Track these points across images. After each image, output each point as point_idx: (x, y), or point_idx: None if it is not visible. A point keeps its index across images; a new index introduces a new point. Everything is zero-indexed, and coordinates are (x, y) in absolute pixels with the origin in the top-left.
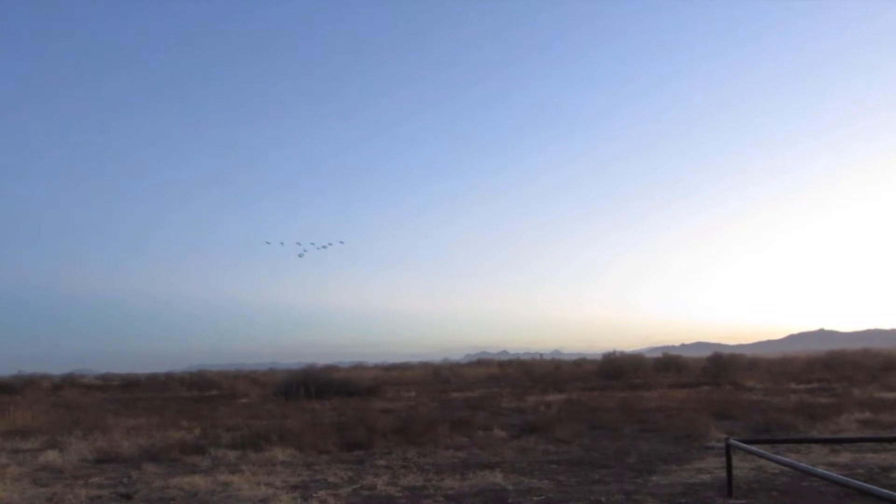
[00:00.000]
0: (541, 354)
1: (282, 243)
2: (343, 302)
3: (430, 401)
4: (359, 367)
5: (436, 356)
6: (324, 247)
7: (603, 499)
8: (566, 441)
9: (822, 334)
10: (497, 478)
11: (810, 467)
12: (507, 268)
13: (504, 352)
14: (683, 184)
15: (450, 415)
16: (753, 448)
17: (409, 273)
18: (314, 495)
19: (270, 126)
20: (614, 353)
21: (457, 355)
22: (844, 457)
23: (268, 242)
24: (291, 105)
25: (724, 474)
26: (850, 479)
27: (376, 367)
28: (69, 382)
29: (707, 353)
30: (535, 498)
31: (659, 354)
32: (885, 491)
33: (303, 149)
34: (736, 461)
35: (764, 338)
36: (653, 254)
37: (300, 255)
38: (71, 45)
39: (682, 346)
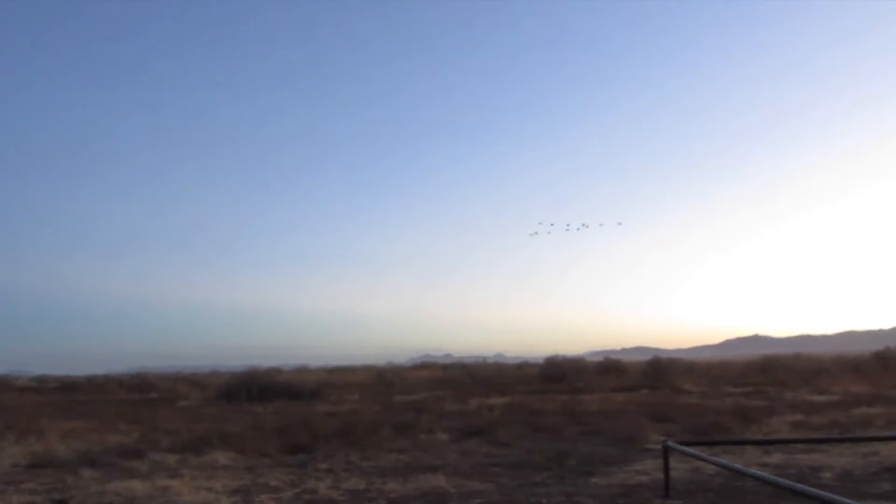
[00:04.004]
0: (484, 358)
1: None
2: (287, 303)
3: (374, 404)
4: (302, 370)
5: (379, 359)
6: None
7: (544, 500)
8: (508, 444)
9: (756, 340)
10: (440, 481)
11: (744, 468)
12: (450, 271)
13: (448, 355)
14: (628, 193)
15: (393, 418)
16: (690, 450)
17: (352, 274)
18: (256, 499)
19: (196, 127)
20: (556, 356)
21: (400, 358)
22: (777, 457)
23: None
24: (210, 106)
25: (661, 475)
26: (782, 480)
27: (320, 369)
28: (1, 384)
29: (647, 358)
30: (477, 501)
31: (600, 358)
32: (815, 490)
33: (244, 146)
34: (673, 463)
35: (701, 343)
36: (595, 260)
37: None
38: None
39: (623, 350)
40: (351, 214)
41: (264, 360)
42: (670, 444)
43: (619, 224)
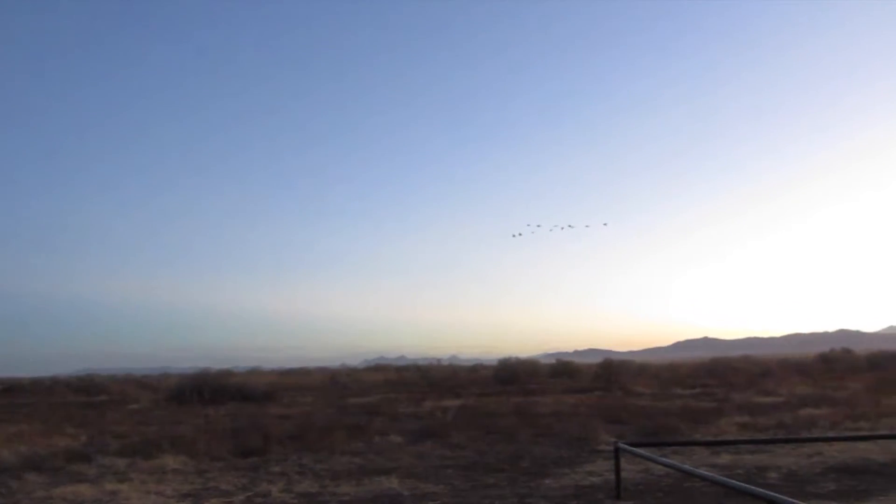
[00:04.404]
0: (438, 360)
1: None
2: (239, 305)
3: (328, 406)
4: (255, 372)
5: (334, 361)
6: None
7: (497, 502)
8: (462, 446)
9: (706, 342)
10: (393, 483)
11: (693, 469)
12: (405, 273)
13: (402, 357)
14: (577, 198)
15: (347, 420)
16: (640, 451)
17: (306, 277)
18: (206, 503)
19: (151, 129)
20: (510, 358)
21: (355, 360)
22: (725, 458)
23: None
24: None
25: (613, 476)
26: (730, 480)
27: (273, 372)
28: None
29: (599, 360)
30: (431, 503)
31: (553, 360)
32: (762, 490)
33: (198, 147)
34: (624, 464)
35: (652, 345)
36: (549, 263)
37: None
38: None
39: (576, 352)
40: (304, 217)
41: (216, 363)
42: (621, 445)
43: (605, 225)
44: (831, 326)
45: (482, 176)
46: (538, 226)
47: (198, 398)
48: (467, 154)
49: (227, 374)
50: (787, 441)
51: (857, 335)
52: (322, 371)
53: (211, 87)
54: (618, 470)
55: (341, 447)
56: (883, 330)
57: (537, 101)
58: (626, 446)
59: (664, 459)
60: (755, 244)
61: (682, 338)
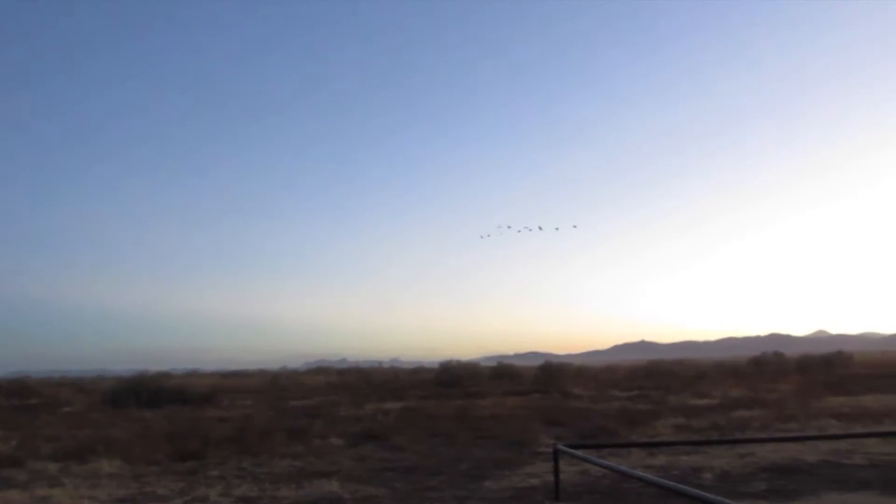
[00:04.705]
0: (379, 363)
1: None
2: (178, 306)
3: (268, 409)
4: (194, 375)
5: (274, 364)
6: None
7: None
8: (403, 448)
9: (643, 345)
10: (333, 486)
11: (630, 470)
12: (346, 276)
13: (343, 360)
14: (526, 201)
15: (287, 423)
16: (579, 453)
17: (246, 278)
18: None
19: (102, 128)
20: (451, 361)
21: (295, 363)
22: (661, 459)
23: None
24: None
25: (552, 478)
26: (666, 481)
27: (212, 374)
28: None
29: (539, 362)
30: None
31: (494, 363)
32: (696, 490)
33: (145, 146)
34: (563, 465)
35: (591, 348)
36: (490, 267)
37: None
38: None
39: (516, 355)
40: (246, 218)
41: (154, 364)
42: (560, 447)
43: (575, 227)
44: (763, 330)
45: (427, 179)
46: (508, 227)
47: (134, 401)
48: (413, 157)
49: (165, 376)
50: (720, 442)
51: (788, 339)
52: (262, 373)
53: (159, 86)
54: (556, 472)
55: (281, 450)
56: (812, 334)
57: (495, 99)
58: (564, 448)
59: (602, 461)
60: (691, 250)
61: (620, 341)
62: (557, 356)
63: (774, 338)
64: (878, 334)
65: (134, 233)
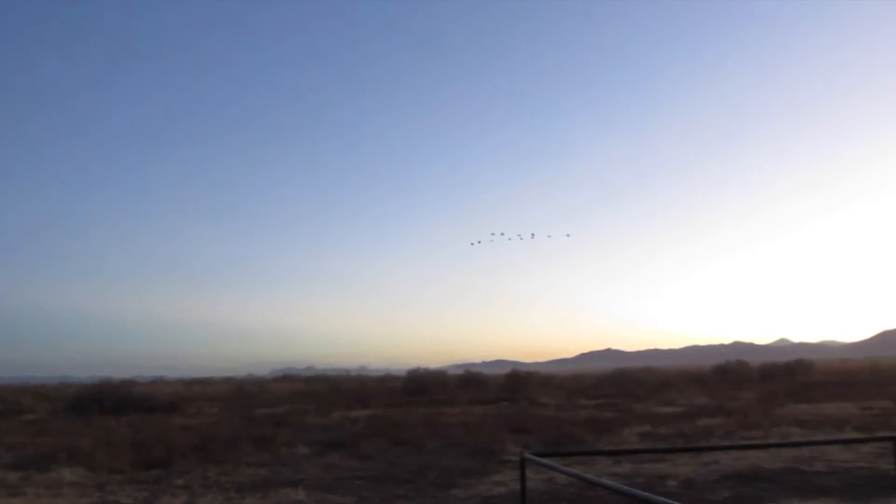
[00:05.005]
0: (347, 370)
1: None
2: (144, 313)
3: (234, 417)
4: (159, 382)
5: (240, 371)
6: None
7: None
8: (370, 457)
9: (609, 353)
10: (300, 495)
11: (596, 478)
12: (314, 283)
13: (310, 367)
14: (481, 213)
15: (253, 431)
16: (545, 461)
17: (212, 285)
18: None
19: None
20: (419, 369)
21: (262, 370)
22: (626, 467)
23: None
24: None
25: (519, 486)
26: (631, 489)
27: (178, 381)
28: None
29: (506, 371)
30: None
31: (461, 371)
32: (662, 498)
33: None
34: (530, 474)
35: (558, 356)
36: (458, 275)
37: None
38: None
39: (484, 363)
40: (211, 224)
41: (118, 372)
42: (527, 455)
43: (568, 235)
44: (727, 339)
45: (396, 188)
46: (501, 234)
47: (98, 408)
48: (382, 168)
49: (130, 383)
50: (685, 450)
51: (751, 347)
52: (228, 381)
53: (110, 93)
54: (523, 480)
55: (247, 459)
56: (774, 342)
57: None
58: (531, 456)
59: (568, 469)
60: (655, 259)
61: (586, 349)
62: (524, 364)
63: (738, 346)
64: (839, 342)
65: (99, 239)
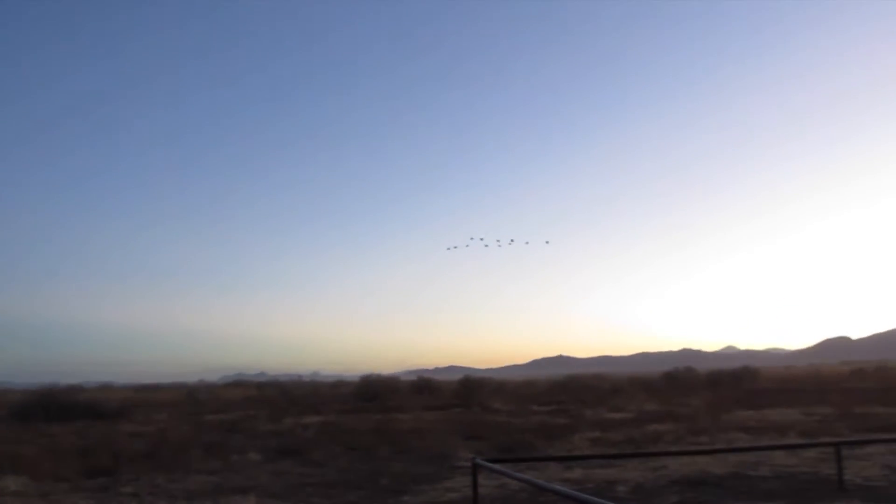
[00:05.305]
0: (299, 376)
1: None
2: (91, 318)
3: (183, 424)
4: (107, 388)
5: (191, 377)
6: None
7: None
8: (322, 463)
9: (560, 360)
10: (250, 502)
11: (547, 483)
12: (266, 288)
13: (262, 373)
14: (427, 222)
15: (203, 438)
16: (497, 467)
17: (161, 289)
18: None
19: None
20: (372, 375)
21: (213, 376)
22: (577, 472)
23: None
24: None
25: (471, 492)
26: (581, 494)
27: (126, 387)
28: None
29: (459, 377)
30: None
31: (414, 377)
32: (610, 503)
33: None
34: (482, 480)
35: (511, 362)
36: (409, 281)
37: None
38: None
39: (436, 369)
40: (159, 226)
41: (64, 378)
42: (479, 461)
43: (547, 242)
44: (676, 346)
45: (347, 194)
46: (481, 239)
47: (43, 415)
48: (333, 172)
49: (77, 389)
50: (634, 455)
51: (699, 354)
52: (178, 387)
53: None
54: (475, 486)
55: (197, 466)
56: (722, 349)
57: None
58: (483, 462)
59: (520, 475)
60: (606, 268)
61: (538, 355)
62: (477, 370)
63: (686, 353)
64: (784, 349)
65: (44, 241)
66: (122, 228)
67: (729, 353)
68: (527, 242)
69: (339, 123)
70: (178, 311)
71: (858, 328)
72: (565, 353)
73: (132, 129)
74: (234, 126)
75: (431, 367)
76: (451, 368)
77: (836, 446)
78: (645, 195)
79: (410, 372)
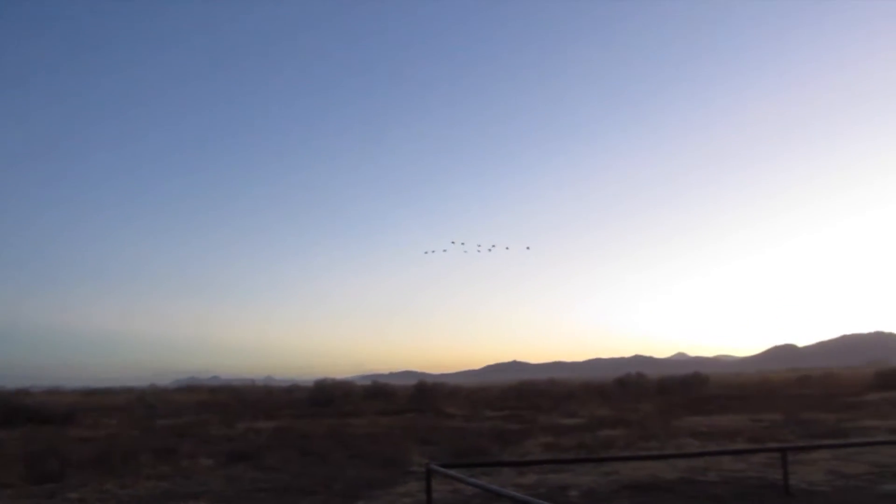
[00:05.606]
0: (253, 380)
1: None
2: (38, 319)
3: (134, 428)
4: (55, 392)
5: (142, 381)
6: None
7: None
8: (275, 468)
9: (515, 365)
10: None
11: (500, 489)
12: (219, 291)
13: (215, 377)
14: (383, 230)
15: (154, 443)
16: (451, 472)
17: (114, 292)
18: None
19: None
20: (326, 380)
21: (165, 380)
22: (530, 478)
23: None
24: None
25: (424, 497)
26: (534, 499)
27: (75, 392)
28: None
29: (414, 381)
30: None
31: (369, 382)
32: None
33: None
34: (436, 485)
35: (465, 367)
36: (364, 285)
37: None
38: None
39: (391, 374)
40: (112, 225)
41: (10, 381)
42: (432, 466)
43: (528, 248)
44: (628, 352)
45: (300, 198)
46: (462, 243)
47: None
48: (284, 176)
49: (23, 393)
50: (586, 460)
51: (650, 361)
52: (129, 391)
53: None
54: (429, 491)
55: (147, 471)
56: (672, 356)
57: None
58: (437, 467)
59: (473, 480)
60: (560, 275)
61: (492, 361)
62: (432, 375)
63: (638, 359)
64: (733, 356)
65: None
66: (71, 229)
67: (680, 360)
68: (507, 248)
69: (301, 128)
70: (130, 314)
71: (805, 336)
72: (519, 359)
73: (75, 133)
74: (190, 130)
75: (386, 371)
76: (406, 373)
77: (783, 452)
78: (595, 202)
79: (365, 377)
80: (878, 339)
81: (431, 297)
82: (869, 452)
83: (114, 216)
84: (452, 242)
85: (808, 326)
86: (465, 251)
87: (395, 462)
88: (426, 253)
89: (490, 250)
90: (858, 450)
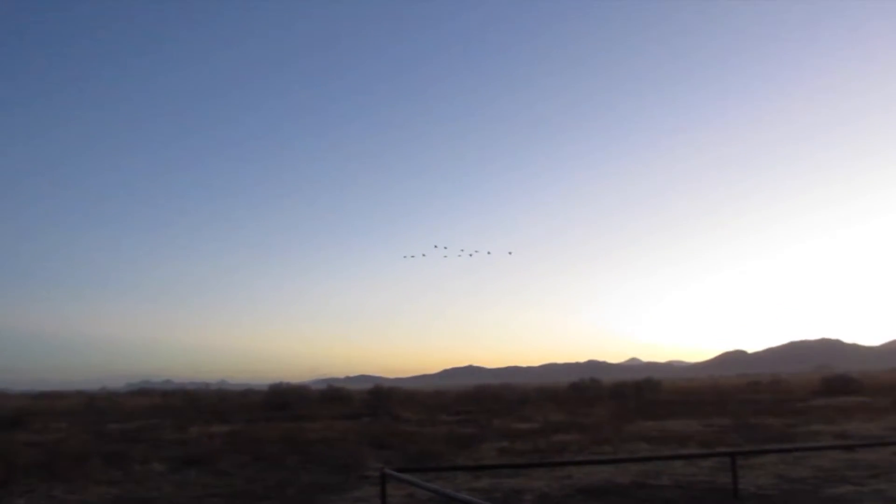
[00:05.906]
0: (207, 384)
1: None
2: None
3: (84, 433)
4: (1, 395)
5: (93, 385)
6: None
7: None
8: (228, 473)
9: (470, 370)
10: None
11: (454, 493)
12: (172, 294)
13: (168, 381)
14: (350, 234)
15: (104, 448)
16: (406, 476)
17: (63, 293)
18: None
19: None
20: (281, 384)
21: (117, 384)
22: (485, 482)
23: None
24: None
25: (379, 502)
26: (489, 503)
27: (23, 395)
28: None
29: (369, 386)
30: None
31: (324, 386)
32: None
33: None
34: (390, 489)
35: (421, 371)
36: (321, 289)
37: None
38: None
39: (347, 378)
40: (61, 225)
41: None
42: (387, 471)
43: (510, 253)
44: (582, 357)
45: (256, 195)
46: (444, 248)
47: None
48: (242, 174)
49: None
50: (540, 465)
51: (604, 366)
52: (79, 395)
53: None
54: (384, 496)
55: (97, 476)
56: (626, 361)
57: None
58: (392, 472)
59: (428, 485)
60: (516, 280)
61: (448, 365)
62: (387, 380)
63: (592, 364)
64: (685, 362)
65: None
66: (22, 230)
67: (633, 366)
68: (489, 252)
69: (270, 133)
70: (80, 316)
71: (754, 342)
72: (475, 364)
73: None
74: (156, 128)
75: (342, 375)
76: (362, 377)
77: (732, 456)
78: (556, 211)
79: (320, 381)
80: (825, 345)
81: (388, 302)
82: (815, 457)
83: (64, 217)
84: (435, 247)
85: (758, 333)
86: (446, 256)
87: (350, 467)
88: (405, 258)
89: (471, 256)
90: (805, 454)
